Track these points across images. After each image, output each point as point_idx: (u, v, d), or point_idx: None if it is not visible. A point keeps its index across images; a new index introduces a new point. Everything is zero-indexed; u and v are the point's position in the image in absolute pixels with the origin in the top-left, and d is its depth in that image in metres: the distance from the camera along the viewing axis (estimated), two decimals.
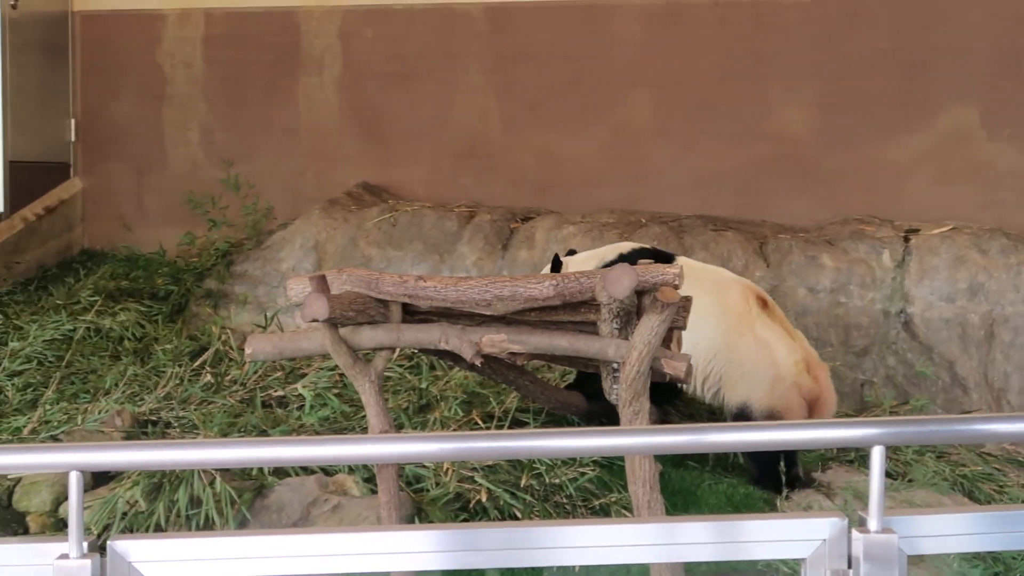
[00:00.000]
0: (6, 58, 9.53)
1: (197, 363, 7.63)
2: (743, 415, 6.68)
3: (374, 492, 5.96)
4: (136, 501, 5.88)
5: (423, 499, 5.91)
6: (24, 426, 7.08)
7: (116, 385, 7.47)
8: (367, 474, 6.12)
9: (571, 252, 7.39)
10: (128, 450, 3.11)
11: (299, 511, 5.91)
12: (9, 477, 6.54)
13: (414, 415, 6.74)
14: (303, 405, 6.94)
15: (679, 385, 6.86)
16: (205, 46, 10.00)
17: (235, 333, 8.08)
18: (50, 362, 7.97)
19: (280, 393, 7.18)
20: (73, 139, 10.24)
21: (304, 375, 7.38)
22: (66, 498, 6.44)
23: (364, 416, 6.62)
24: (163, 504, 5.88)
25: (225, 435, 6.54)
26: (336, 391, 7.01)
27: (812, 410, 6.69)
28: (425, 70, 9.73)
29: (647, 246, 7.22)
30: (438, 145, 9.73)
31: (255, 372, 7.37)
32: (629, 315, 5.19)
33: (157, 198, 10.09)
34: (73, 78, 10.25)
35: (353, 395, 6.99)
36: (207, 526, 5.75)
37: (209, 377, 7.37)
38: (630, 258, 6.80)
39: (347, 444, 3.70)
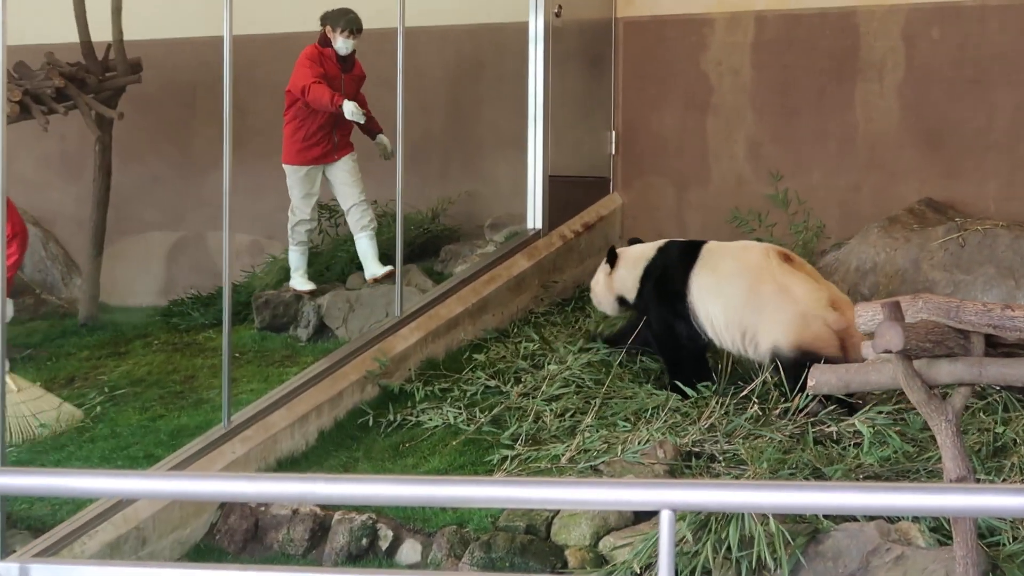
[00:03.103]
0: (548, 68, 10.11)
1: (743, 393, 7.75)
2: (777, 357, 7.77)
3: (942, 543, 5.86)
4: (683, 538, 6.06)
5: (999, 554, 5.73)
6: (562, 454, 7.46)
7: (657, 414, 7.72)
8: (934, 523, 6.01)
9: (634, 240, 8.93)
10: (724, 490, 3.16)
11: (857, 560, 5.89)
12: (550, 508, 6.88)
13: (987, 459, 6.55)
14: (860, 442, 6.90)
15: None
16: (754, 52, 10.18)
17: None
18: (588, 387, 8.34)
19: (833, 429, 7.17)
20: (613, 152, 10.71)
21: (859, 409, 7.34)
22: (607, 532, 6.75)
23: (929, 458, 6.53)
24: (710, 543, 6.02)
25: (775, 472, 6.61)
26: (897, 428, 6.93)
27: (846, 343, 7.61)
28: (1000, 74, 9.44)
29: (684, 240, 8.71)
30: (1013, 157, 9.41)
31: (806, 404, 7.40)
32: None
33: (699, 214, 10.36)
34: (615, 88, 10.72)
35: (916, 434, 6.89)
36: (758, 569, 5.84)
37: (756, 409, 7.48)
38: (666, 249, 8.50)
39: (927, 493, 3.64)
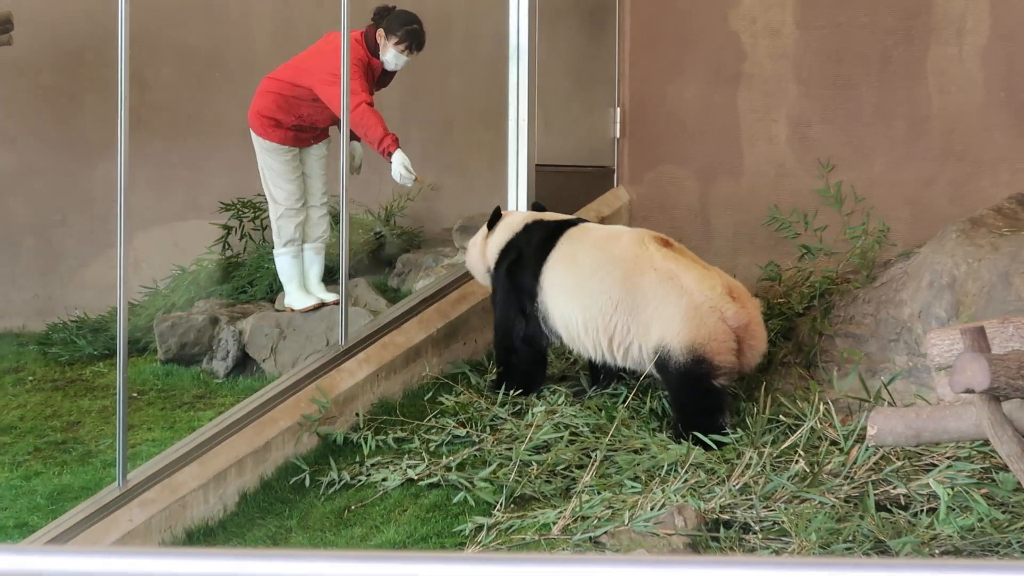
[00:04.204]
0: (535, 26, 10.07)
1: (784, 445, 7.75)
2: (664, 360, 8.21)
3: None
4: None
5: None
6: (554, 522, 7.45)
7: (675, 471, 7.70)
8: None
9: (538, 207, 9.55)
10: (761, 568, 3.11)
11: None
12: None
13: None
14: (936, 508, 6.91)
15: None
16: (799, 6, 10.21)
17: (836, 405, 8.15)
18: (586, 436, 8.33)
19: (901, 491, 7.18)
20: (618, 135, 10.69)
21: (934, 466, 7.35)
22: None
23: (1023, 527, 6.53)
24: None
25: (826, 546, 6.62)
26: (983, 490, 6.93)
27: (743, 341, 8.21)
28: None
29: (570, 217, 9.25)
30: None
31: (865, 460, 7.40)
32: None
33: (728, 214, 10.36)
34: (620, 54, 10.71)
35: (1007, 496, 6.90)
36: None
37: (802, 465, 7.47)
38: (531, 229, 9.03)
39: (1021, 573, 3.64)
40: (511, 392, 8.88)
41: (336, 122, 9.59)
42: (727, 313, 8.15)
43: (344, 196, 9.29)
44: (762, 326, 8.38)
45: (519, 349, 9.02)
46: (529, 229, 9.10)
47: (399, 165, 9.31)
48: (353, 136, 9.56)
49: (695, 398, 8.22)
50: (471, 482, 7.99)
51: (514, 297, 9.00)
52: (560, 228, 8.97)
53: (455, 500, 7.92)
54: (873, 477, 7.32)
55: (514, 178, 10.12)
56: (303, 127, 9.59)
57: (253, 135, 9.61)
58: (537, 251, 8.91)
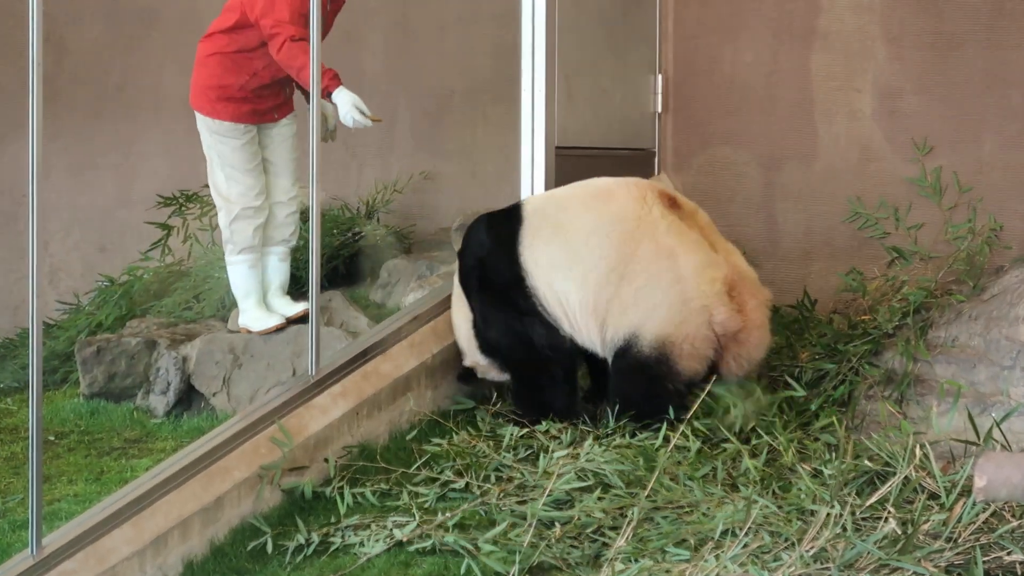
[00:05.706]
0: None
1: (871, 500, 7.73)
2: (628, 351, 8.57)
3: None
4: None
5: None
6: None
7: (733, 533, 7.68)
8: None
9: None
10: None
11: None
12: None
13: None
14: None
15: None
16: None
17: (936, 449, 8.12)
18: (619, 488, 8.32)
19: (1017, 557, 7.16)
20: (659, 109, 10.69)
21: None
22: None
23: None
24: None
25: None
26: None
27: (727, 350, 8.52)
28: None
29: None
30: None
31: (972, 519, 7.38)
32: None
33: (798, 209, 10.36)
34: (662, 7, 10.71)
35: None
36: None
37: (892, 525, 7.45)
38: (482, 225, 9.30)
39: None
40: (543, 420, 9.09)
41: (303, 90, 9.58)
42: (717, 316, 8.43)
43: (315, 185, 9.25)
44: (761, 331, 8.62)
45: (540, 362, 9.18)
46: (483, 228, 9.36)
47: (348, 106, 9.33)
48: (325, 93, 9.43)
49: (640, 394, 8.62)
50: (475, 546, 7.97)
51: (501, 304, 9.19)
52: (513, 207, 9.21)
53: (457, 570, 7.91)
54: (982, 540, 7.29)
55: (528, 163, 10.11)
56: (262, 91, 9.55)
57: (198, 116, 9.58)
58: (503, 239, 9.12)
